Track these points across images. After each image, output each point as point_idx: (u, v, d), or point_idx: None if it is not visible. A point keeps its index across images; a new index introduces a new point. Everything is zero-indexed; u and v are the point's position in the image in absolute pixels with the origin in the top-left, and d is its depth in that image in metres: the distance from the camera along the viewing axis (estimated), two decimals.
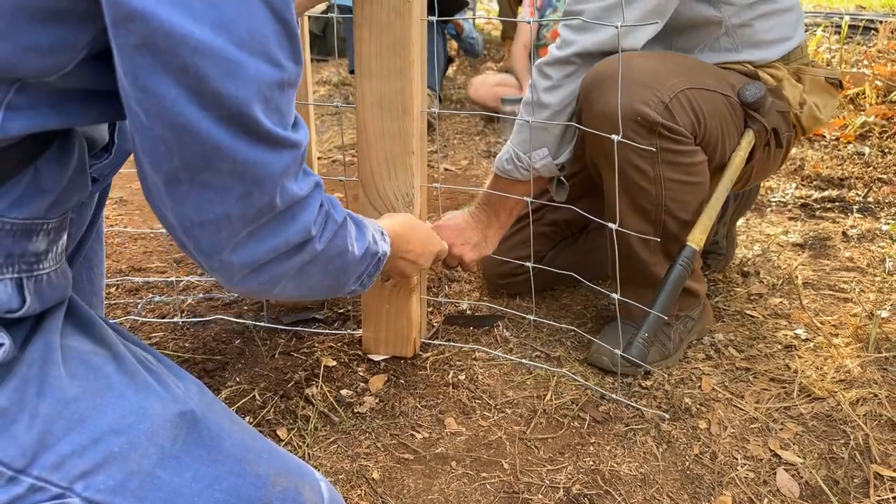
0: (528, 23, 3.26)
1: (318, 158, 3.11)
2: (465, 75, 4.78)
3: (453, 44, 5.42)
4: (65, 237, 0.81)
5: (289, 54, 0.69)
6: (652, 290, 1.32)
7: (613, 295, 1.28)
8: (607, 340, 1.39)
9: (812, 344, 1.53)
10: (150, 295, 1.71)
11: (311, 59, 1.55)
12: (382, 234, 1.07)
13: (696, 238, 1.27)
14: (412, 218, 1.26)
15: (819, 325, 1.59)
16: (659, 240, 1.29)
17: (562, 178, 1.41)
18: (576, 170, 1.47)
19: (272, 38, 0.67)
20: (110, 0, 0.59)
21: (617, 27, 1.11)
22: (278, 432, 1.24)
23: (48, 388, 0.70)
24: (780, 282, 1.83)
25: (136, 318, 1.59)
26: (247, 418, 1.26)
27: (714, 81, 1.25)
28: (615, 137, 1.14)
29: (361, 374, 1.41)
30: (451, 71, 4.74)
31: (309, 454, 1.19)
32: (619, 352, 1.30)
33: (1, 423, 0.68)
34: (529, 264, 1.42)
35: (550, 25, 3.37)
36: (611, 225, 1.21)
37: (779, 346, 1.53)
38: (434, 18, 1.29)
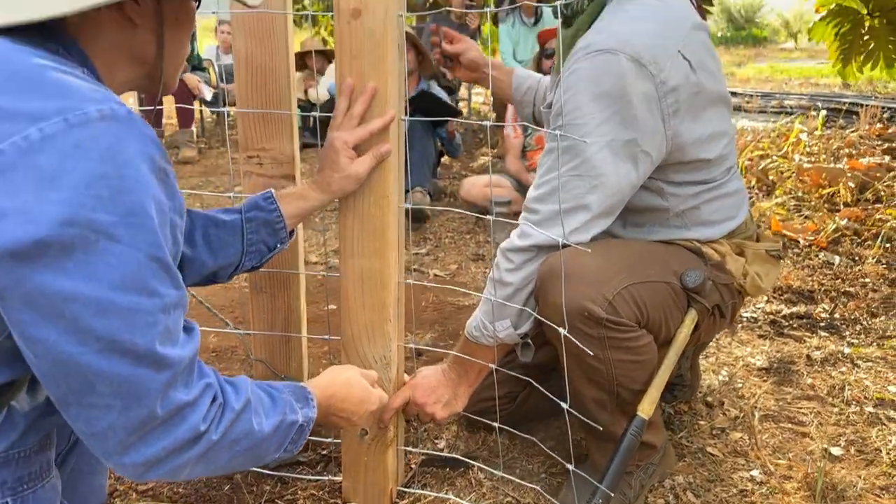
0: (513, 136, 3.47)
1: (315, 263, 3.27)
2: (459, 162, 4.97)
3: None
4: (51, 454, 0.94)
5: (167, 283, 0.81)
6: (613, 441, 1.42)
7: (569, 466, 1.39)
8: (569, 500, 1.49)
9: (765, 489, 1.63)
10: None
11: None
12: (307, 398, 1.10)
13: (646, 409, 1.39)
14: (353, 376, 1.28)
15: (773, 467, 1.69)
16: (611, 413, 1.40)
17: (528, 340, 1.53)
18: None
19: (147, 273, 0.78)
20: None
21: (562, 233, 1.25)
22: None
23: None
24: (743, 414, 1.93)
25: None
26: None
27: (658, 270, 1.39)
28: (562, 331, 1.27)
29: None
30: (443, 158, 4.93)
31: None
32: None
33: None
34: (496, 424, 1.53)
35: (533, 133, 3.56)
36: (563, 405, 1.33)
37: (735, 490, 1.63)
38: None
